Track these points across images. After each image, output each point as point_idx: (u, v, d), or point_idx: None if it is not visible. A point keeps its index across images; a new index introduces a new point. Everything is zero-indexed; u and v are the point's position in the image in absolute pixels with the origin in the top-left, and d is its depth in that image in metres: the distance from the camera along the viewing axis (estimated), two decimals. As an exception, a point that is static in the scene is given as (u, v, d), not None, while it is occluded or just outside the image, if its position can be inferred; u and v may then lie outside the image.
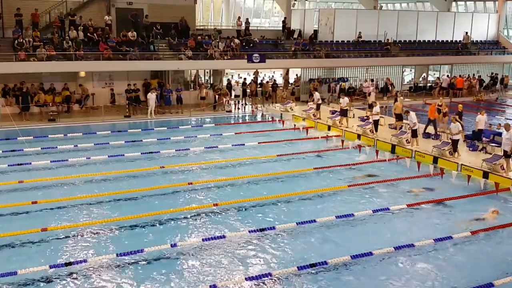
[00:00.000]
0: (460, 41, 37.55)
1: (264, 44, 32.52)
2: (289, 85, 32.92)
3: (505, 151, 16.79)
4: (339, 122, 23.58)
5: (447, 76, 36.03)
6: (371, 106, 24.77)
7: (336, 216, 13.53)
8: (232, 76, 37.75)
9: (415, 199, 15.23)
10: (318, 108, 25.17)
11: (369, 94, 27.53)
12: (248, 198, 14.81)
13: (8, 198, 14.65)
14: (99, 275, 10.67)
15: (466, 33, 37.29)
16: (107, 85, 28.13)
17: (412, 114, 20.15)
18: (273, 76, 38.34)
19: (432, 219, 14.03)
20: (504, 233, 13.16)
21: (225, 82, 32.17)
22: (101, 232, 12.67)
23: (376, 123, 21.58)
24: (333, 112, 25.22)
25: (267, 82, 31.61)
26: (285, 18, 35.94)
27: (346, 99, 23.80)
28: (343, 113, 23.38)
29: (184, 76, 30.65)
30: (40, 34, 26.14)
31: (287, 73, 34.39)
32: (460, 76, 35.96)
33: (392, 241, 12.32)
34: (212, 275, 10.79)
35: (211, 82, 32.09)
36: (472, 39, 38.36)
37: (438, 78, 37.13)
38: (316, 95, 25.44)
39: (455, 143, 18.44)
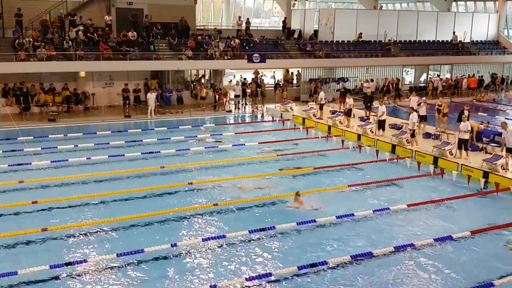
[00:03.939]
0: (460, 41, 37.53)
1: (264, 44, 32.52)
2: (288, 85, 32.97)
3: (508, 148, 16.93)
4: (340, 122, 23.61)
5: (438, 75, 36.08)
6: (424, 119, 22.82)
7: (336, 216, 13.53)
8: (234, 76, 37.73)
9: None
10: (321, 108, 25.20)
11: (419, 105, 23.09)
12: (248, 198, 14.80)
13: (8, 198, 14.65)
14: (99, 275, 10.68)
15: (454, 32, 37.24)
16: (107, 85, 28.14)
17: (415, 114, 20.14)
18: (273, 76, 38.36)
19: (433, 218, 14.05)
20: (504, 233, 13.17)
21: (226, 82, 32.15)
22: (101, 232, 12.67)
23: (381, 123, 21.64)
24: (333, 112, 25.24)
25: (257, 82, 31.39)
26: (285, 18, 35.93)
27: (351, 99, 23.83)
28: (348, 113, 23.42)
29: (184, 76, 30.65)
30: (40, 34, 26.15)
31: (287, 72, 34.41)
32: (473, 75, 36.02)
33: (392, 241, 12.35)
34: (212, 275, 10.80)
35: (212, 82, 32.08)
36: (472, 39, 38.38)
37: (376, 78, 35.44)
38: (321, 94, 25.50)
39: (465, 142, 18.24)
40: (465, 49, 37.27)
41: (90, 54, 26.22)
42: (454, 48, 37.06)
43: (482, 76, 37.17)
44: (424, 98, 24.51)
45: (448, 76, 37.89)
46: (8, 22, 26.51)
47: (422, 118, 22.53)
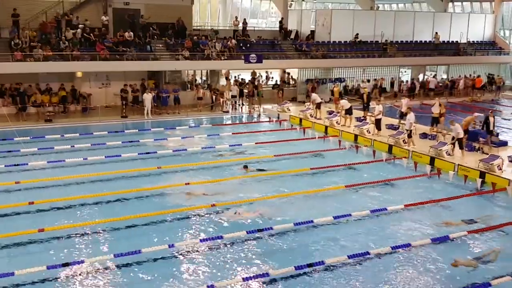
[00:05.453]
0: (457, 41, 37.61)
1: (261, 45, 32.52)
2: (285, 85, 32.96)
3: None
4: (337, 122, 23.63)
5: (434, 76, 36.15)
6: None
7: (333, 217, 13.53)
8: (234, 76, 37.64)
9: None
10: (318, 107, 25.21)
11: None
12: (245, 199, 14.79)
13: (5, 198, 14.63)
14: (97, 276, 10.66)
15: (436, 33, 37.27)
16: (104, 85, 28.09)
17: (412, 114, 20.18)
18: (272, 77, 38.21)
19: (430, 218, 14.08)
20: (502, 232, 13.21)
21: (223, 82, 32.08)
22: (98, 232, 12.65)
23: (378, 122, 21.69)
24: (330, 113, 25.26)
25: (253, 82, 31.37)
26: (282, 18, 35.92)
27: (345, 100, 23.81)
28: (349, 111, 23.47)
29: (182, 76, 30.59)
30: (37, 34, 26.07)
31: (283, 72, 34.42)
32: (478, 76, 36.08)
33: (389, 241, 12.37)
34: (210, 275, 10.80)
35: (208, 83, 32.07)
36: (468, 40, 38.49)
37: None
38: (313, 96, 25.52)
39: (459, 140, 18.71)
40: (460, 50, 37.30)
41: (86, 54, 26.17)
42: (452, 48, 37.14)
43: (479, 76, 37.22)
44: (438, 99, 23.91)
45: (445, 76, 38.01)
46: (4, 23, 26.42)
47: (435, 120, 21.71)
